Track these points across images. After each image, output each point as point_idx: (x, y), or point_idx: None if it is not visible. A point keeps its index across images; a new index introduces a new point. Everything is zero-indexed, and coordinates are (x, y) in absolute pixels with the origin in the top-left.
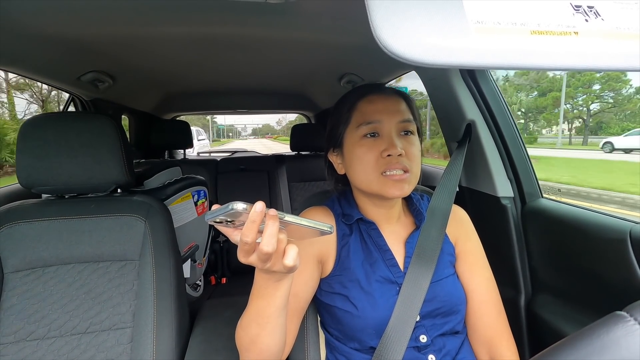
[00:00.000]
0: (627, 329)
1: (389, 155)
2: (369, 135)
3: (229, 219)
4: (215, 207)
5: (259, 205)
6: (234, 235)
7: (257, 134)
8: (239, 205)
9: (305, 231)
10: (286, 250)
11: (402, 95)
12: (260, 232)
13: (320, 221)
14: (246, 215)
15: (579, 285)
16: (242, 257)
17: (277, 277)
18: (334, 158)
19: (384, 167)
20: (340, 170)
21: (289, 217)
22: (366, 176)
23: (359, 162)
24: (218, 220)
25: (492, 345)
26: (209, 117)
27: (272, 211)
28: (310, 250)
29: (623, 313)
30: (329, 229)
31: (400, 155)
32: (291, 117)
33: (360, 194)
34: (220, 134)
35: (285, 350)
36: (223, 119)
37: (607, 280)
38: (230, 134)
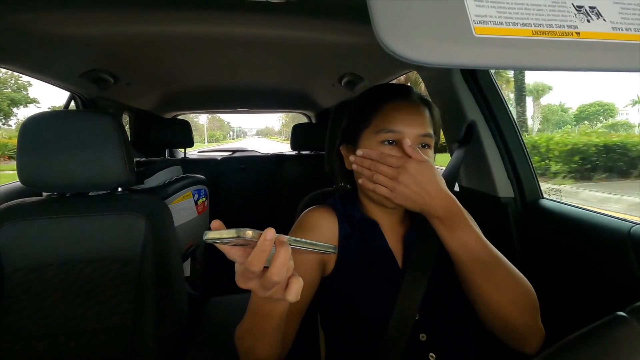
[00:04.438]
0: (629, 331)
1: None
2: (386, 142)
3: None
4: (215, 224)
5: (270, 233)
6: (231, 253)
7: (260, 134)
8: (248, 233)
9: (308, 252)
10: (290, 283)
11: (427, 104)
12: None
13: (323, 222)
14: (250, 239)
15: (579, 285)
16: (242, 283)
17: (274, 299)
18: (345, 152)
19: None
20: (349, 166)
21: (297, 243)
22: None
23: None
24: (218, 240)
25: None
26: (226, 121)
27: (282, 237)
28: None
29: (624, 314)
30: (333, 250)
31: None
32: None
33: (364, 194)
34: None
35: (284, 350)
36: (236, 122)
37: (608, 281)
38: (241, 135)
